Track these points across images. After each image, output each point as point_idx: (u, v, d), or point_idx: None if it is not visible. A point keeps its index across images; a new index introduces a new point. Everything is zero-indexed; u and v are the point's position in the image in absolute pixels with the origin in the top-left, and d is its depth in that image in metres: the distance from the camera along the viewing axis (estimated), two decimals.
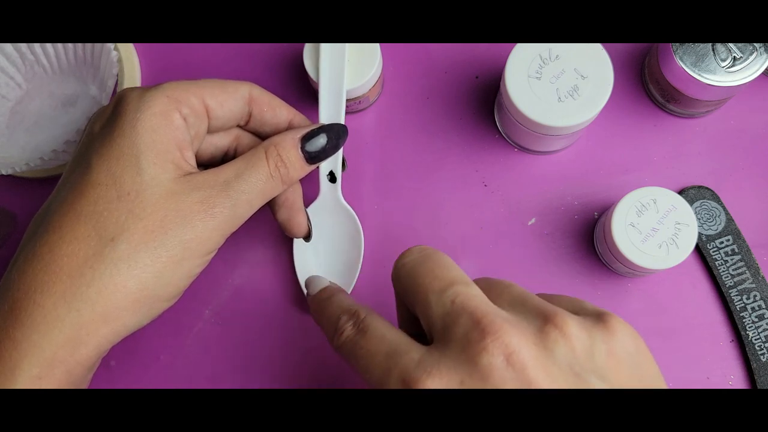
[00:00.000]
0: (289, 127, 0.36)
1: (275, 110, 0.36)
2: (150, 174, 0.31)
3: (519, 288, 0.27)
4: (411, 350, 0.25)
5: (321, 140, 0.35)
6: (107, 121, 0.32)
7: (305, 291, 0.34)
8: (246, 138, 0.37)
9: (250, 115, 0.36)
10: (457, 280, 0.26)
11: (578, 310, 0.26)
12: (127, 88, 0.33)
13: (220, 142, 0.37)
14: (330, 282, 0.34)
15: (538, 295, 0.27)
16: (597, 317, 0.26)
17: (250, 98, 0.35)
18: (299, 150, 0.34)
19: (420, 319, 0.27)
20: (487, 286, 0.27)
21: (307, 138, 0.35)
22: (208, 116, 0.34)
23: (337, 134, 0.36)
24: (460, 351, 0.24)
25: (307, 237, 0.39)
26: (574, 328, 0.24)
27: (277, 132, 0.36)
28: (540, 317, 0.25)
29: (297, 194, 0.38)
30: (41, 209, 0.33)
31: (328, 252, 0.42)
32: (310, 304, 0.33)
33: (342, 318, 0.29)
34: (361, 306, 0.29)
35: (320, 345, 0.42)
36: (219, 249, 0.32)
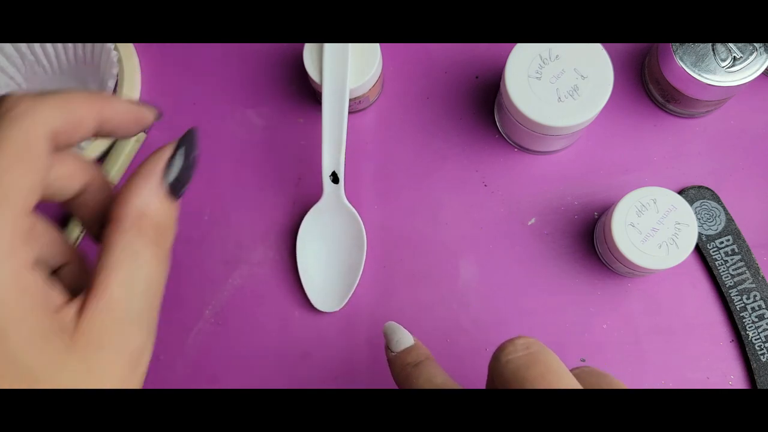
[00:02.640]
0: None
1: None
2: None
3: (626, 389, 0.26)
4: None
5: (178, 161, 0.25)
6: None
7: (386, 341, 0.31)
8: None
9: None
10: None
11: None
12: None
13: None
14: (414, 339, 0.31)
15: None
16: None
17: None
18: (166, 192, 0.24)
19: None
20: (592, 385, 0.26)
21: (167, 168, 0.24)
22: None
23: (190, 144, 0.26)
24: None
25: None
26: None
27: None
28: None
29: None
30: None
31: (331, 252, 0.42)
32: (392, 362, 0.31)
33: None
34: (456, 386, 0.27)
35: (320, 345, 0.42)
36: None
